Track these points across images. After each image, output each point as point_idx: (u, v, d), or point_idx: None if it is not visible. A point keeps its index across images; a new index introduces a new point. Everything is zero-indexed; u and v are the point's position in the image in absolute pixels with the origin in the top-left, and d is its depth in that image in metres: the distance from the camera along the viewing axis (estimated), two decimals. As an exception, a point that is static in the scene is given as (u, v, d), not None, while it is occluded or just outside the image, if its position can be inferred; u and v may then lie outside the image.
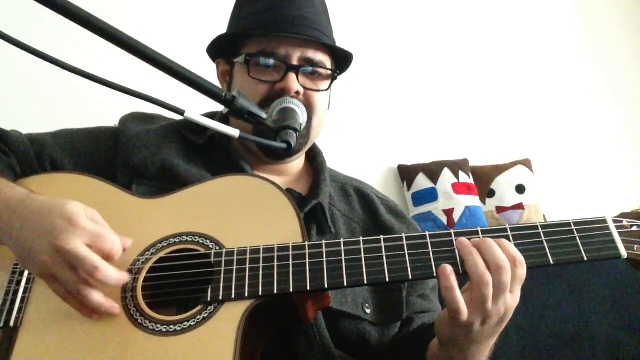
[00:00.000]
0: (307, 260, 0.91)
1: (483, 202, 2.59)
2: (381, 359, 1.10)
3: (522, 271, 0.86)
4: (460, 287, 0.87)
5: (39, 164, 1.14)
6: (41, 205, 0.89)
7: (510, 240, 0.90)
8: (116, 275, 0.86)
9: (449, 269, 0.86)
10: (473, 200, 2.52)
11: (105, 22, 0.78)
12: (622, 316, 2.00)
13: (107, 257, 0.86)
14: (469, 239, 0.89)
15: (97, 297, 0.86)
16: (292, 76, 1.15)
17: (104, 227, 0.90)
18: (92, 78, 0.84)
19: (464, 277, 0.88)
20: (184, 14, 2.33)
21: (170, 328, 0.87)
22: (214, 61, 1.33)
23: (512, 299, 0.87)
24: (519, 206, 2.57)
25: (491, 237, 0.89)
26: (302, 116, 1.12)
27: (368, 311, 1.09)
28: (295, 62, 1.17)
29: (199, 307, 0.89)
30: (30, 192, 0.97)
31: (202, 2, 2.35)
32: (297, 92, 1.15)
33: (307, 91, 1.18)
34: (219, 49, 1.27)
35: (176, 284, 0.93)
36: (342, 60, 1.26)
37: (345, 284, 0.90)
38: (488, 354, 0.98)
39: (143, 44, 0.83)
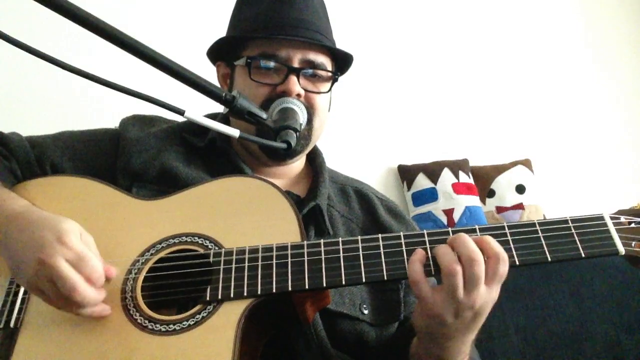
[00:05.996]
0: (306, 259, 0.91)
1: (483, 202, 2.59)
2: (379, 359, 1.10)
3: (504, 268, 0.86)
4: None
5: (40, 167, 1.14)
6: (37, 219, 0.90)
7: (508, 238, 0.90)
8: (94, 296, 0.86)
9: (420, 250, 0.88)
10: (473, 200, 2.52)
11: (105, 22, 0.78)
12: (622, 316, 1.99)
13: (87, 281, 0.85)
14: None
15: (84, 310, 0.86)
16: (293, 79, 1.14)
17: (93, 252, 0.89)
18: (92, 78, 0.84)
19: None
20: (184, 14, 2.33)
21: (169, 327, 0.87)
22: (214, 64, 1.32)
23: (488, 294, 0.86)
24: (519, 206, 2.58)
25: (488, 235, 0.89)
26: (302, 116, 1.12)
27: (366, 312, 1.09)
28: (296, 64, 1.16)
29: (198, 307, 0.89)
30: (31, 205, 0.97)
31: (202, 2, 2.35)
32: (298, 95, 1.14)
33: (308, 93, 1.17)
34: (220, 52, 1.27)
35: (175, 284, 0.93)
36: (342, 61, 1.25)
37: (344, 283, 0.90)
38: (468, 351, 0.96)
39: (143, 44, 0.83)
